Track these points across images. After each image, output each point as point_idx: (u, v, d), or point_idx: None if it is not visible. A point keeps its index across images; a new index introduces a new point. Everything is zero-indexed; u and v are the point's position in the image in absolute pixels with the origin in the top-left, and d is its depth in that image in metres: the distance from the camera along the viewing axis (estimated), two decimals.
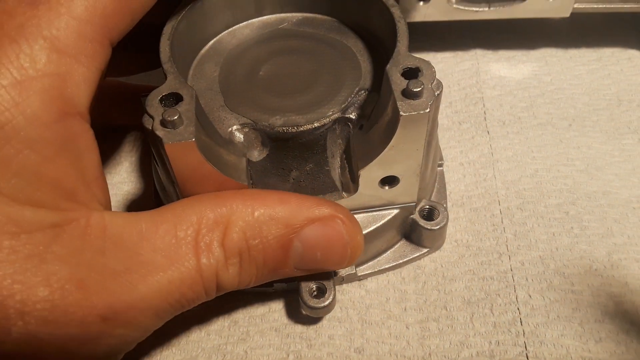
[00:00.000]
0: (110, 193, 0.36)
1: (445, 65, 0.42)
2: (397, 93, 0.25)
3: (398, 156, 0.27)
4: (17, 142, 0.18)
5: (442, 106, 0.40)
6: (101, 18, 0.21)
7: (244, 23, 0.34)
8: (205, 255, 0.21)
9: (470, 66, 0.42)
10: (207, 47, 0.33)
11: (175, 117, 0.24)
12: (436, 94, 0.25)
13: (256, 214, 0.23)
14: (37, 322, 0.18)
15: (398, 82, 0.26)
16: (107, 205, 0.24)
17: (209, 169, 0.25)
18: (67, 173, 0.20)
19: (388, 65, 0.26)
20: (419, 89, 0.25)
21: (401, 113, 0.25)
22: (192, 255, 0.21)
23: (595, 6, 0.40)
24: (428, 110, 0.25)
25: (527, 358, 0.28)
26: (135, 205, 0.35)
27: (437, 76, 0.42)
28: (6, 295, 0.17)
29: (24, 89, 0.18)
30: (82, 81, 0.20)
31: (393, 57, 0.27)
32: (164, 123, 0.24)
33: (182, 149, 0.24)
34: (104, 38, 0.22)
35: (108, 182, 0.36)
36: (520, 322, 0.29)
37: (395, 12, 0.29)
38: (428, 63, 0.26)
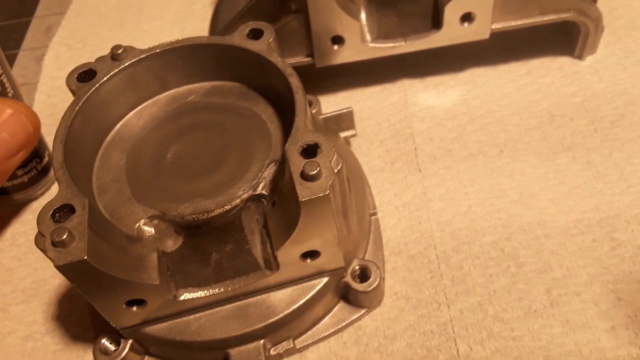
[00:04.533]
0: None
1: (374, 100, 0.42)
2: (295, 175, 0.24)
3: (310, 234, 0.26)
4: None
5: (373, 146, 0.39)
6: None
7: (150, 101, 0.33)
8: None
9: (398, 99, 0.41)
10: (112, 133, 0.31)
11: (65, 237, 0.23)
12: (335, 171, 0.24)
13: None
14: None
15: (297, 163, 0.25)
16: None
17: (111, 279, 0.24)
18: None
19: (287, 144, 0.25)
20: (315, 172, 0.24)
21: (300, 199, 0.24)
22: None
23: (514, 24, 0.40)
24: (327, 192, 0.24)
25: None
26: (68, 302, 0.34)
27: (366, 114, 0.41)
28: None
29: None
30: None
31: (292, 134, 0.26)
32: (54, 243, 0.23)
33: (76, 268, 0.23)
34: None
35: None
36: None
37: (293, 81, 0.28)
38: (326, 138, 0.25)
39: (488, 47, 0.43)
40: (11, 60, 0.51)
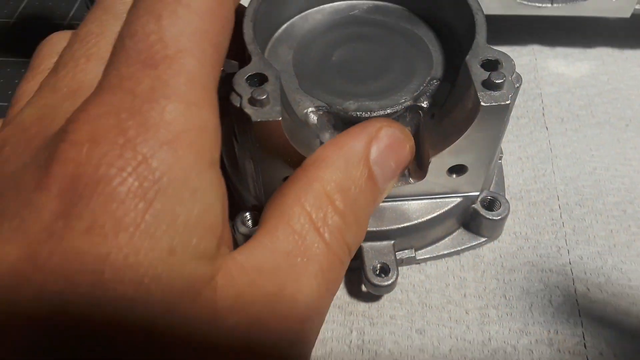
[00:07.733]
0: None
1: None
2: (477, 84, 0.26)
3: (472, 146, 0.28)
4: (183, 195, 0.17)
5: None
6: (211, 66, 0.20)
7: (316, 8, 0.34)
8: (327, 230, 0.21)
9: (528, 61, 0.43)
10: (280, 30, 0.33)
11: (264, 97, 0.25)
12: (516, 86, 0.26)
13: (338, 167, 0.23)
14: None
15: (478, 73, 0.26)
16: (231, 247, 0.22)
17: (290, 148, 0.26)
18: (219, 220, 0.19)
19: (468, 57, 0.27)
20: (501, 81, 0.25)
21: (482, 103, 0.25)
22: (317, 238, 0.21)
23: None
24: (509, 102, 0.25)
25: (585, 347, 0.29)
26: None
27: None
28: None
29: (179, 145, 0.18)
30: (214, 130, 0.19)
31: (472, 48, 0.27)
32: (252, 101, 0.25)
33: (268, 127, 0.25)
34: (215, 82, 0.21)
35: None
36: (579, 313, 0.30)
37: (473, 4, 0.29)
38: (508, 56, 0.27)
39: (619, 30, 0.44)
40: None
